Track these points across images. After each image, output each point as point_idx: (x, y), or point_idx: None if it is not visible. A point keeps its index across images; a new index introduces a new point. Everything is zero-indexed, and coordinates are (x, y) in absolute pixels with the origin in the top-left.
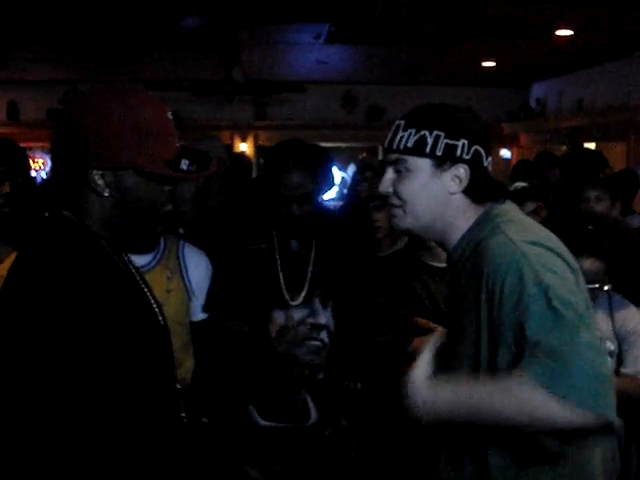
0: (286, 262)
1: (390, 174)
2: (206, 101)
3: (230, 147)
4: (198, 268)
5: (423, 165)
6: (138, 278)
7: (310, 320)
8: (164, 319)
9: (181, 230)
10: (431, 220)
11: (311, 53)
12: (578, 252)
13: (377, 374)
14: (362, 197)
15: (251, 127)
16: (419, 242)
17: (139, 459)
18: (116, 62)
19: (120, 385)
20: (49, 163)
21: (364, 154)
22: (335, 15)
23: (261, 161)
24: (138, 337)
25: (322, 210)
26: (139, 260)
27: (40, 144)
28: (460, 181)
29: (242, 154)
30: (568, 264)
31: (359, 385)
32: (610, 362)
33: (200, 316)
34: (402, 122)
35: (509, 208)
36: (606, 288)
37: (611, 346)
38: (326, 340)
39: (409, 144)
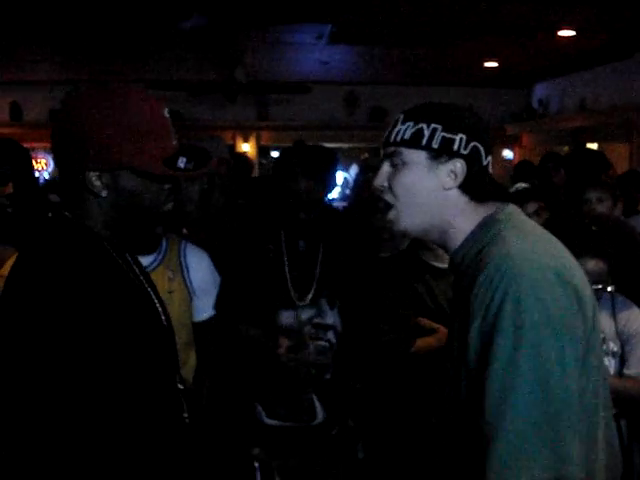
0: (294, 263)
1: (386, 167)
2: (208, 101)
3: (232, 147)
4: (199, 268)
5: (419, 157)
6: (142, 278)
7: (317, 320)
8: (168, 319)
9: (185, 230)
10: (428, 218)
11: (313, 53)
12: (582, 253)
13: (380, 374)
14: (365, 198)
15: (253, 127)
16: (421, 243)
17: (141, 459)
18: (119, 63)
19: (122, 386)
20: (51, 163)
21: (366, 155)
22: (337, 15)
23: (263, 161)
24: (141, 337)
25: (329, 211)
26: (142, 261)
27: (43, 144)
28: (456, 176)
29: (243, 154)
30: (569, 285)
31: (362, 385)
32: (613, 363)
33: (202, 316)
34: (401, 116)
35: (514, 212)
36: (609, 289)
37: (614, 347)
38: (333, 340)
39: (406, 136)
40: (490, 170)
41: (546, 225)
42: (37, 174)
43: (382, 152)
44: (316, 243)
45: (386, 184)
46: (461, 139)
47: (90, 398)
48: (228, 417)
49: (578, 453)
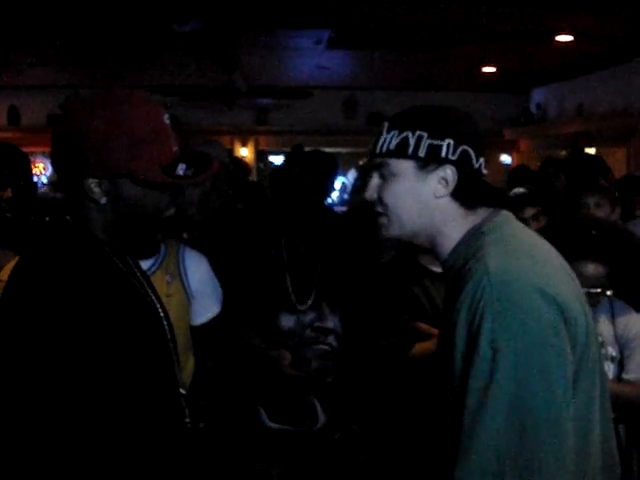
0: (294, 267)
1: (375, 179)
2: (207, 106)
3: (230, 152)
4: (197, 272)
5: (407, 168)
6: (145, 283)
7: (318, 324)
8: (169, 323)
9: (185, 235)
10: (418, 227)
11: (312, 58)
12: (581, 256)
13: (378, 378)
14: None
15: (252, 132)
16: (419, 247)
17: (142, 465)
18: (117, 67)
19: (123, 390)
20: (50, 168)
21: (365, 159)
22: (336, 20)
23: (261, 166)
24: (142, 342)
25: (330, 216)
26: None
27: (41, 149)
28: (447, 183)
29: (239, 159)
30: (554, 302)
31: (364, 389)
32: (612, 368)
33: (200, 320)
34: (386, 124)
35: (502, 222)
36: (608, 293)
37: (613, 352)
38: (334, 344)
39: (391, 146)
40: (484, 171)
41: (545, 230)
42: (35, 178)
43: (371, 162)
44: (316, 247)
45: (376, 196)
46: (449, 144)
47: (91, 402)
48: (230, 421)
49: None
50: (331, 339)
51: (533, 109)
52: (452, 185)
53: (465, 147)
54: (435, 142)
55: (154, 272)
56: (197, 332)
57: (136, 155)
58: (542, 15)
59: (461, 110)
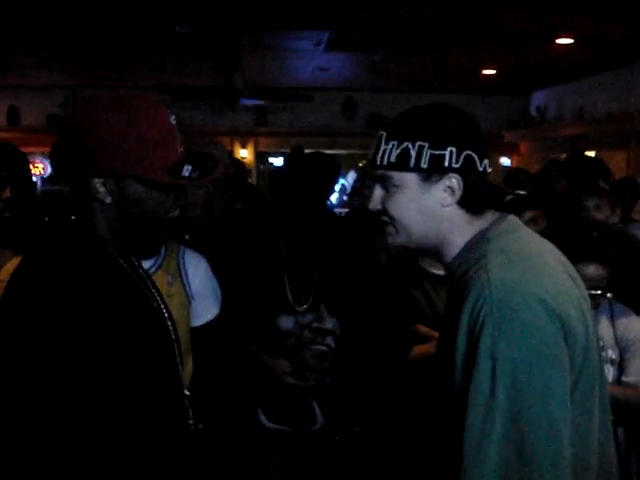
0: (292, 268)
1: (378, 191)
2: (207, 107)
3: (230, 153)
4: (198, 273)
5: (410, 180)
6: (149, 283)
7: (316, 325)
8: (173, 324)
9: (187, 236)
10: (425, 235)
11: (311, 60)
12: (582, 257)
13: (378, 380)
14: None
15: (251, 133)
16: (420, 250)
17: (146, 465)
18: (117, 68)
19: (128, 391)
20: (49, 168)
21: (364, 161)
22: (336, 22)
23: (261, 167)
24: (146, 343)
25: (329, 218)
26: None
27: (40, 149)
28: (453, 192)
29: (239, 160)
30: (555, 313)
31: (364, 391)
32: (611, 370)
33: (200, 321)
34: (384, 134)
35: (508, 228)
36: (608, 296)
37: (613, 354)
38: (332, 345)
39: (392, 159)
40: (489, 170)
41: (545, 232)
42: (34, 178)
43: (371, 172)
44: (315, 249)
45: (380, 207)
46: (451, 152)
47: (96, 402)
48: (229, 422)
49: None
50: (329, 340)
51: (533, 112)
52: (458, 193)
53: (468, 152)
54: (437, 152)
55: (154, 272)
56: (196, 333)
57: (142, 156)
58: (542, 18)
59: (459, 110)
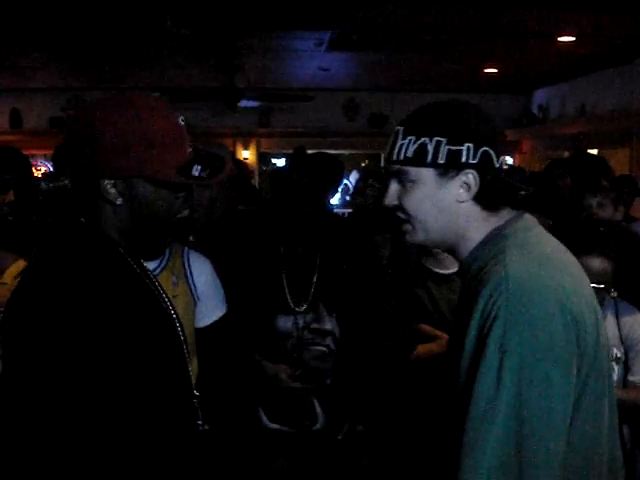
0: (292, 268)
1: (394, 186)
2: (209, 107)
3: (232, 154)
4: (203, 274)
5: (426, 175)
6: (157, 284)
7: (315, 326)
8: (181, 326)
9: (191, 237)
10: (441, 232)
11: (313, 60)
12: (587, 250)
13: (381, 380)
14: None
15: (254, 134)
16: (423, 249)
17: (154, 467)
18: (118, 70)
19: (137, 391)
20: (51, 171)
21: (366, 161)
22: (337, 22)
23: (264, 168)
24: (157, 344)
25: (329, 217)
26: (146, 266)
27: (43, 152)
28: (469, 188)
29: (241, 161)
30: (569, 312)
31: (367, 391)
32: (617, 369)
33: (204, 322)
34: (401, 129)
35: (525, 226)
36: (614, 295)
37: (618, 353)
38: (332, 346)
39: (409, 154)
40: (504, 167)
41: (550, 228)
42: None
43: (387, 168)
44: (314, 249)
45: (396, 202)
46: (468, 148)
47: (107, 403)
48: (232, 422)
49: None
50: (329, 340)
51: (535, 110)
52: (474, 189)
53: (485, 149)
54: (454, 147)
55: (160, 273)
56: (201, 334)
57: (152, 156)
58: (544, 16)
59: (476, 106)
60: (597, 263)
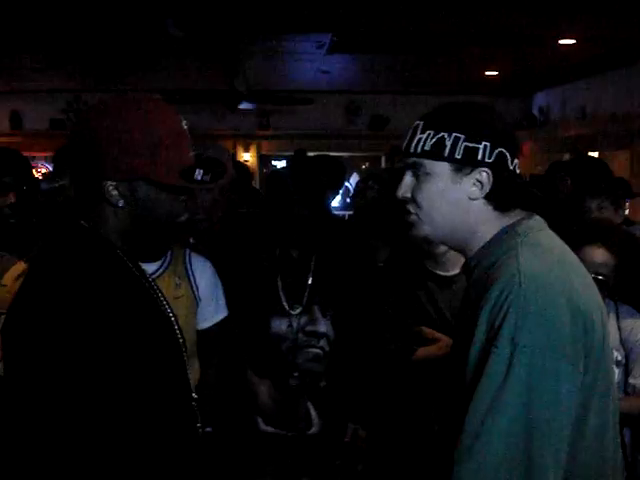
0: (286, 270)
1: (408, 178)
2: (209, 110)
3: (233, 156)
4: (205, 275)
5: (442, 169)
6: (156, 288)
7: (309, 328)
8: (180, 328)
9: (191, 240)
10: (450, 228)
11: (314, 63)
12: (591, 240)
13: (382, 383)
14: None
15: (254, 136)
16: (425, 251)
17: (154, 470)
18: (119, 72)
19: (136, 395)
20: (51, 171)
21: (367, 163)
22: (338, 25)
23: (264, 170)
24: (155, 347)
25: (327, 219)
26: (148, 267)
27: (43, 154)
28: (482, 186)
29: (242, 163)
30: (579, 311)
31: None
32: (617, 372)
33: (205, 324)
34: (421, 123)
35: (535, 225)
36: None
37: (618, 356)
38: (326, 348)
39: (426, 147)
40: (518, 171)
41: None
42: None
43: (402, 160)
44: (309, 252)
45: (409, 195)
46: (485, 147)
47: (105, 406)
48: (231, 425)
49: None
50: (323, 343)
51: (536, 112)
52: (487, 188)
53: (501, 149)
54: (472, 145)
55: (162, 274)
56: (203, 336)
57: (156, 159)
58: (545, 19)
59: (494, 109)
60: (600, 253)
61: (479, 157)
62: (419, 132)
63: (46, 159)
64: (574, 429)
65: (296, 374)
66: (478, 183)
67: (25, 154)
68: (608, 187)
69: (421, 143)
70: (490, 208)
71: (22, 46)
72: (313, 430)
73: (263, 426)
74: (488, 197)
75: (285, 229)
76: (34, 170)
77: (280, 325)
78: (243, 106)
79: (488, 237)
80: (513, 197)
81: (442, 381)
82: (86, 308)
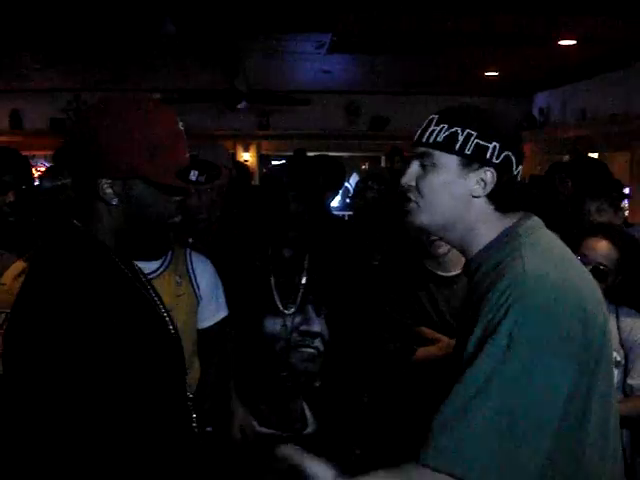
0: (279, 270)
1: (415, 167)
2: (209, 109)
3: (233, 156)
4: (205, 274)
5: (450, 162)
6: (149, 287)
7: (304, 328)
8: (175, 327)
9: (190, 240)
10: (448, 221)
11: (314, 63)
12: (594, 233)
13: (382, 384)
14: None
15: (254, 136)
16: (426, 251)
17: (148, 469)
18: (119, 71)
19: (129, 395)
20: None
21: (367, 164)
22: (338, 25)
23: (264, 170)
24: (148, 347)
25: (325, 219)
26: (148, 266)
27: (43, 153)
28: (485, 185)
29: (242, 163)
30: (581, 311)
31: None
32: (616, 373)
33: (207, 323)
34: (435, 117)
35: (535, 225)
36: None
37: (617, 357)
38: (321, 348)
39: (439, 138)
40: (519, 179)
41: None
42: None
43: (411, 151)
44: (302, 251)
45: (413, 183)
46: (494, 147)
47: (98, 408)
48: (225, 423)
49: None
50: (317, 342)
51: (536, 113)
52: (489, 188)
53: (509, 153)
54: (483, 143)
55: (162, 273)
56: (203, 335)
57: (152, 158)
58: (545, 20)
59: (508, 115)
60: (603, 245)
61: (487, 156)
62: (433, 124)
63: (46, 158)
64: (577, 427)
65: (285, 374)
66: (482, 181)
67: (25, 153)
68: (607, 189)
69: (434, 134)
70: (491, 208)
71: (22, 45)
72: (308, 430)
73: (258, 427)
74: (490, 197)
75: (278, 227)
76: (34, 169)
77: (274, 325)
78: (240, 105)
79: (488, 238)
80: (514, 200)
81: (442, 381)
82: (77, 310)
